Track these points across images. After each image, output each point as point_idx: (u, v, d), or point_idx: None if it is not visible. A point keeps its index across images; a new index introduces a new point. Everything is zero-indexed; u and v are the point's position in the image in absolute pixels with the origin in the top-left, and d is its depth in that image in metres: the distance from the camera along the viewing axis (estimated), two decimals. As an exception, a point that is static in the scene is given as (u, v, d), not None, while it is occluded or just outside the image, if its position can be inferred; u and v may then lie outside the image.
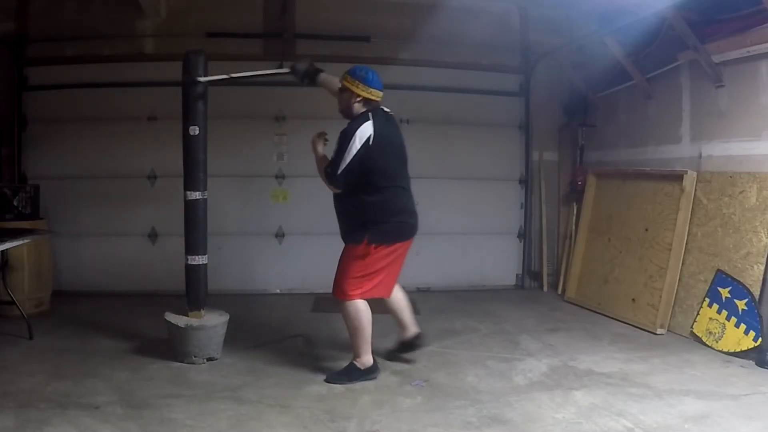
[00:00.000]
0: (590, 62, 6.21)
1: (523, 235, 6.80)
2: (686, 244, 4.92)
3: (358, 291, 3.70)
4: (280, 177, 6.36)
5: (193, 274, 4.17)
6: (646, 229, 5.33)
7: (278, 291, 6.32)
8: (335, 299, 3.81)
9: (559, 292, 6.45)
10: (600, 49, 5.71)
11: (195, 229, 4.15)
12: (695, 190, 4.91)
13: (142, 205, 6.13)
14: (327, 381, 3.72)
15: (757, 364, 4.05)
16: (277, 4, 6.21)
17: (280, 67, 6.17)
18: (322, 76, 4.07)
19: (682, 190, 4.93)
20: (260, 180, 6.33)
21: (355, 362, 3.76)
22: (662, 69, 5.37)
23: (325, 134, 3.83)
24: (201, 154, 4.12)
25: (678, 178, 5.01)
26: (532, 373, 3.94)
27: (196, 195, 4.13)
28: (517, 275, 6.82)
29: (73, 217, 6.02)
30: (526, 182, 6.78)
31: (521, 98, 6.74)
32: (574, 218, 6.50)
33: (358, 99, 3.66)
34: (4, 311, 4.80)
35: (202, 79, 4.02)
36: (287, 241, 6.39)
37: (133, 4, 5.81)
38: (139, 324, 4.86)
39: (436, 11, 5.85)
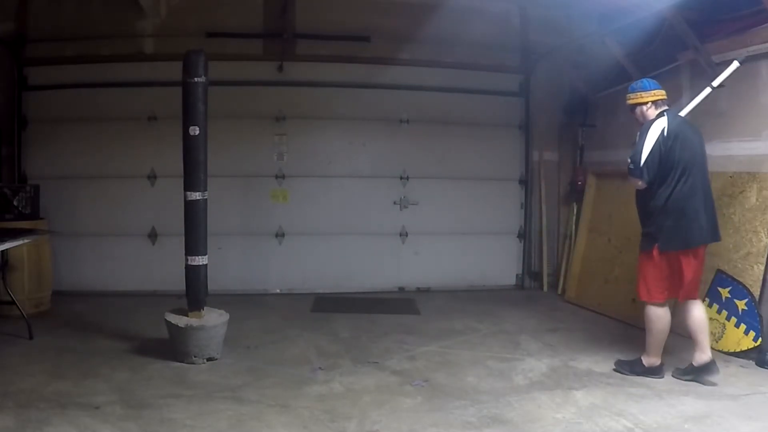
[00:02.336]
0: (590, 62, 6.21)
1: (523, 235, 6.80)
2: (686, 244, 4.91)
3: (657, 294, 3.82)
4: (280, 177, 6.36)
5: (193, 274, 4.17)
6: (646, 229, 5.32)
7: (278, 291, 6.32)
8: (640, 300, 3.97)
9: (559, 292, 6.45)
10: (600, 49, 5.70)
11: (195, 229, 4.15)
12: (695, 190, 4.90)
13: (142, 205, 6.14)
14: (614, 369, 3.95)
15: (757, 364, 4.05)
16: (277, 4, 6.21)
17: (280, 68, 6.25)
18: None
19: (682, 190, 4.92)
20: (260, 180, 6.33)
21: (642, 357, 3.91)
22: (662, 69, 5.36)
23: None
24: (201, 155, 4.12)
25: (678, 178, 5.00)
26: (532, 373, 3.94)
27: (196, 195, 4.13)
28: (517, 275, 6.81)
29: (73, 217, 6.02)
30: (526, 182, 6.78)
31: (521, 98, 6.74)
32: (574, 218, 6.49)
33: (648, 106, 3.86)
34: (4, 311, 4.80)
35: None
36: (287, 241, 6.39)
37: (133, 4, 5.82)
38: (139, 324, 4.86)
39: (436, 11, 5.85)
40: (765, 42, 4.27)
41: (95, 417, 3.13)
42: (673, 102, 5.29)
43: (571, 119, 6.73)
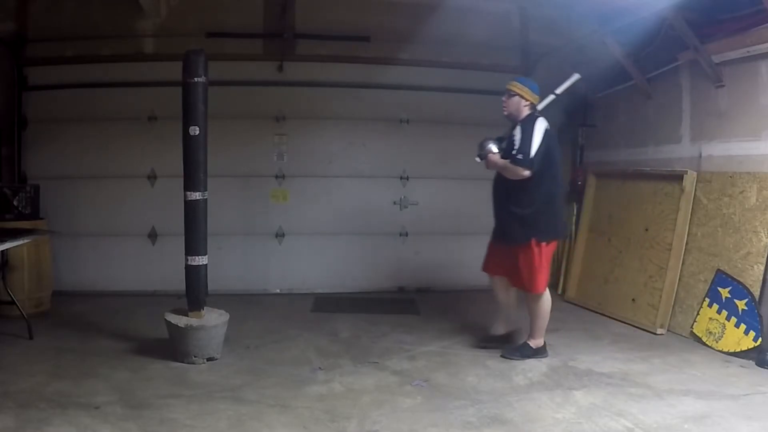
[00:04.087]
0: (590, 62, 6.19)
1: (523, 235, 6.79)
2: (686, 244, 4.93)
3: (543, 284, 4.17)
4: (280, 177, 6.36)
5: (193, 274, 4.17)
6: (646, 229, 5.33)
7: (278, 291, 6.32)
8: (529, 294, 4.22)
9: (559, 292, 6.44)
10: (600, 49, 5.70)
11: (195, 229, 4.15)
12: (695, 190, 4.91)
13: (142, 205, 6.13)
14: (502, 356, 4.19)
15: (757, 364, 4.05)
16: (277, 4, 6.21)
17: (280, 67, 6.25)
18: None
19: (682, 190, 4.93)
20: (260, 180, 6.33)
21: (529, 342, 4.20)
22: (662, 69, 5.37)
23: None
24: (201, 155, 4.12)
25: (678, 178, 5.01)
26: (532, 373, 3.94)
27: (196, 195, 4.13)
28: (517, 275, 6.80)
29: (73, 217, 6.01)
30: (526, 182, 6.77)
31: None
32: (574, 218, 6.49)
33: (526, 103, 4.20)
34: (4, 311, 4.79)
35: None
36: (287, 241, 6.39)
37: (133, 4, 5.82)
38: (139, 324, 4.86)
39: (436, 11, 5.85)
40: (765, 42, 4.26)
41: (95, 417, 3.14)
42: (673, 103, 5.33)
43: (571, 119, 6.72)
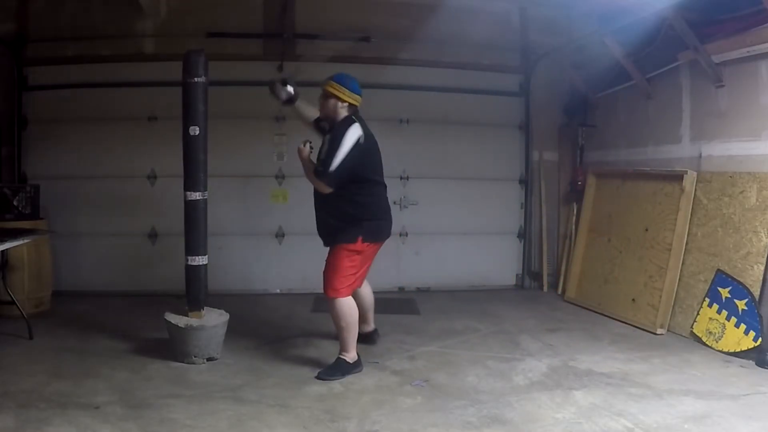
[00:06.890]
0: (590, 62, 6.21)
1: (523, 235, 6.80)
2: (686, 244, 4.93)
3: (347, 287, 3.89)
4: (280, 177, 6.36)
5: (193, 274, 4.17)
6: (646, 229, 5.33)
7: (278, 291, 6.32)
8: (326, 297, 3.94)
9: (559, 292, 6.45)
10: (600, 49, 5.70)
11: (195, 229, 4.15)
12: (695, 190, 4.91)
13: (142, 205, 6.13)
14: (319, 378, 3.77)
15: (757, 364, 4.05)
16: (277, 4, 6.21)
17: (280, 67, 6.25)
18: (299, 103, 4.28)
19: (682, 190, 4.93)
20: (260, 180, 6.33)
21: (343, 356, 3.88)
22: (662, 69, 5.36)
23: (310, 141, 3.94)
24: (201, 155, 4.12)
25: (678, 178, 5.01)
26: (532, 373, 3.94)
27: (196, 195, 4.13)
28: (517, 275, 6.82)
29: (73, 217, 6.02)
30: (526, 182, 6.78)
31: (521, 98, 6.74)
32: (574, 218, 6.50)
33: (343, 104, 3.88)
34: (4, 311, 4.80)
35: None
36: (287, 241, 6.39)
37: (133, 4, 5.82)
38: (139, 324, 4.86)
39: (436, 11, 5.86)
40: (765, 42, 4.27)
41: (95, 417, 3.14)
42: (673, 103, 5.33)
43: (571, 119, 6.73)
